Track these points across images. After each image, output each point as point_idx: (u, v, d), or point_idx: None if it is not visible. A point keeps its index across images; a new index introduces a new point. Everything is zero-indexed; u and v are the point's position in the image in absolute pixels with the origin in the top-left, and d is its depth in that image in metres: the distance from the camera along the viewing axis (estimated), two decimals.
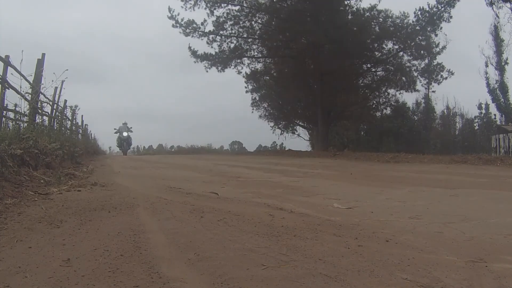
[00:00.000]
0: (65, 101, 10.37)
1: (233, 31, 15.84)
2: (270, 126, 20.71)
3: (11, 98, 5.40)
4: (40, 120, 7.16)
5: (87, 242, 1.66)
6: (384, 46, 15.94)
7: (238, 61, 16.63)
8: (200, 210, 2.39)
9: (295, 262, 1.41)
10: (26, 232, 1.82)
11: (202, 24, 15.31)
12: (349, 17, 15.45)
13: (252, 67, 17.76)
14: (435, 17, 14.36)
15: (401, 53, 16.00)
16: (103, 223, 2.02)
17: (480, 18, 41.34)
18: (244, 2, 15.35)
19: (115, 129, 18.12)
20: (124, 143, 17.51)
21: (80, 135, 15.73)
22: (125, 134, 17.44)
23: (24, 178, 3.24)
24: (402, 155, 9.36)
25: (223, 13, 15.32)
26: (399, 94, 17.78)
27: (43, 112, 7.42)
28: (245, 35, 16.10)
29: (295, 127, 21.36)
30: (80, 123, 16.46)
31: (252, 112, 20.35)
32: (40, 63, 6.30)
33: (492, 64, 21.10)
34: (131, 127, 18.17)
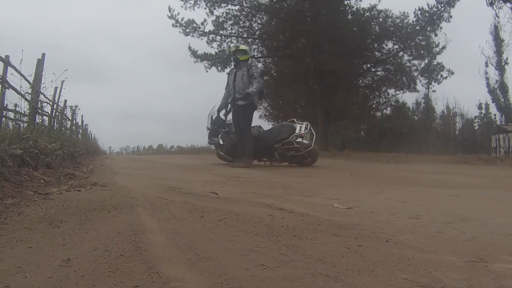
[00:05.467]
0: (65, 101, 10.41)
1: (233, 31, 15.89)
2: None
3: (11, 98, 5.42)
4: (40, 120, 7.18)
5: (87, 242, 1.66)
6: (384, 46, 15.99)
7: None
8: (200, 210, 2.39)
9: (295, 262, 1.40)
10: (26, 232, 1.82)
11: (202, 24, 15.35)
12: (349, 17, 15.46)
13: None
14: (435, 17, 14.38)
15: (401, 53, 16.06)
16: (103, 223, 2.01)
17: (481, 18, 41.41)
18: (244, 2, 15.38)
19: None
20: None
21: (80, 135, 15.74)
22: None
23: (24, 178, 3.24)
24: (402, 155, 9.37)
25: (223, 13, 15.38)
26: (399, 94, 17.81)
27: (43, 112, 7.44)
28: (245, 35, 16.13)
29: None
30: (80, 123, 16.47)
31: None
32: (40, 63, 6.30)
33: (492, 64, 21.12)
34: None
